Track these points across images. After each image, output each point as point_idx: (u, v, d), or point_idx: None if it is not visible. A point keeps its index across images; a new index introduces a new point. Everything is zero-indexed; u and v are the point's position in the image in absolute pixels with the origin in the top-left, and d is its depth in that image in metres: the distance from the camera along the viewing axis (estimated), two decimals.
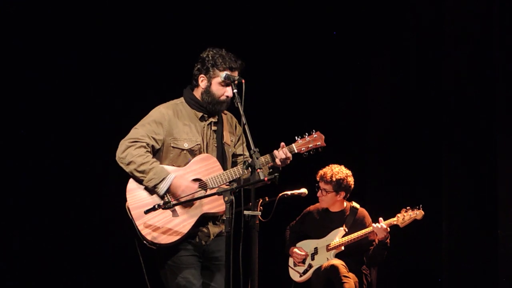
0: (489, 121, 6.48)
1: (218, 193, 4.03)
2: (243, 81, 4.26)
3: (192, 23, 6.79)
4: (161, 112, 4.37)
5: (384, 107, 7.30)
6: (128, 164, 4.22)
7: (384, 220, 5.69)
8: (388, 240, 5.69)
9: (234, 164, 4.53)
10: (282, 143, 4.39)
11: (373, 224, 5.69)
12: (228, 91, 4.34)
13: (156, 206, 4.12)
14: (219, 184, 4.28)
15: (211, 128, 4.45)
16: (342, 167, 5.93)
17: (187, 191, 4.23)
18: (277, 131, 6.88)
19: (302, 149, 4.40)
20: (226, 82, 4.33)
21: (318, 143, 4.42)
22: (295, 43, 7.15)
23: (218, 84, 4.36)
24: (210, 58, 4.35)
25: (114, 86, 6.52)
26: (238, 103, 4.21)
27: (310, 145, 4.40)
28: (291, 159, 4.38)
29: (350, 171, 5.94)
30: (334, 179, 5.83)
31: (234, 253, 4.02)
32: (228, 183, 4.30)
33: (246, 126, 4.12)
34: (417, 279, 7.00)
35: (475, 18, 6.58)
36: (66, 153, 6.43)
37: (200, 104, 4.42)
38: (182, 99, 4.48)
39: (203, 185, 4.31)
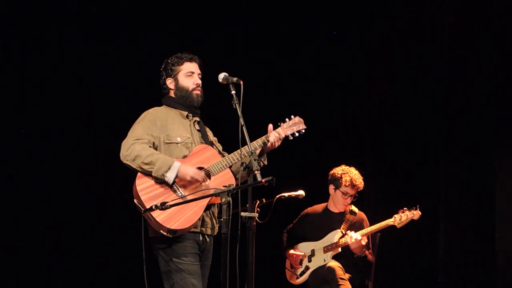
0: (488, 122, 6.47)
1: (215, 194, 4.07)
2: (241, 82, 4.31)
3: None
4: (152, 113, 4.56)
5: (382, 108, 7.29)
6: (134, 159, 4.34)
7: (381, 221, 5.69)
8: (369, 256, 5.72)
9: None
10: (270, 125, 4.55)
11: (348, 236, 5.66)
12: (195, 78, 4.57)
13: (154, 207, 4.09)
14: (222, 169, 4.44)
15: (195, 127, 4.62)
16: (353, 168, 5.93)
17: (196, 177, 4.36)
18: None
19: (288, 132, 4.59)
20: (190, 73, 4.55)
21: (300, 126, 4.63)
22: (295, 39, 7.15)
23: (184, 76, 4.59)
24: (169, 61, 4.61)
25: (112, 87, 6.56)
26: (236, 105, 4.26)
27: (294, 128, 4.61)
28: (282, 140, 4.55)
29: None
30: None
31: (230, 254, 4.01)
32: (229, 166, 4.48)
33: (244, 128, 4.19)
34: (414, 280, 6.99)
35: (474, 16, 6.57)
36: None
37: (181, 103, 4.59)
38: (163, 106, 4.65)
39: (207, 173, 4.43)
